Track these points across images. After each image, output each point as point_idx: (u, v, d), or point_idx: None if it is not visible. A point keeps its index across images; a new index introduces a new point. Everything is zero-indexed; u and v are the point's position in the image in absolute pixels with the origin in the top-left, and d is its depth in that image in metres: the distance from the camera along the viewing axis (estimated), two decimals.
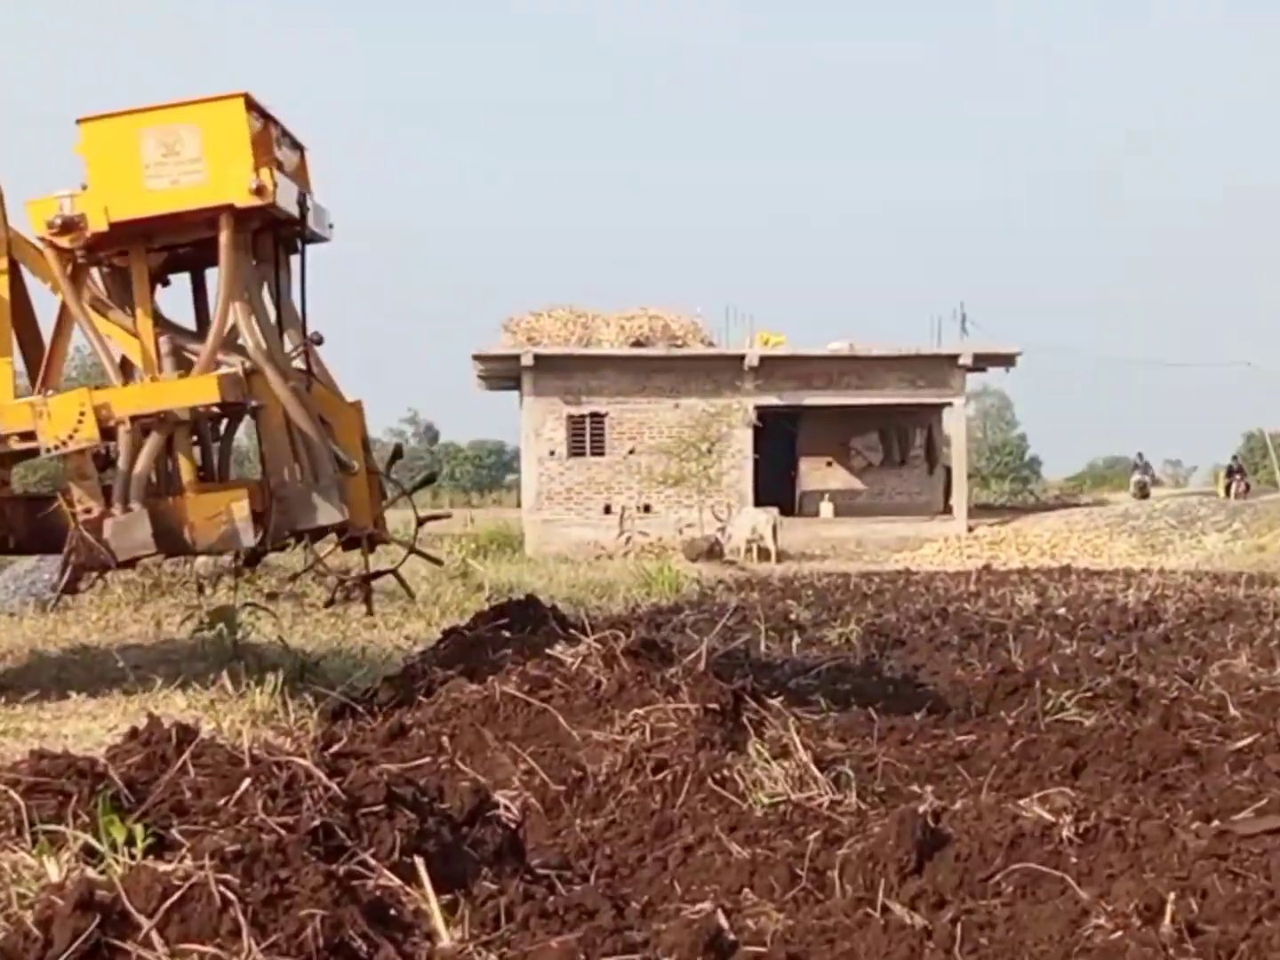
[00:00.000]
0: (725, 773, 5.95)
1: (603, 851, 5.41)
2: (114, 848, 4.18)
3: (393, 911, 4.16)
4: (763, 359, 32.40)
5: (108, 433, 6.86)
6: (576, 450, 32.49)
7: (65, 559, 7.19)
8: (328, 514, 7.00)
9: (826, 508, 34.60)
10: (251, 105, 7.00)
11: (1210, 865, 4.52)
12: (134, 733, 5.40)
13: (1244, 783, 6.12)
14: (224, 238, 6.89)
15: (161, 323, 7.38)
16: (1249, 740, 6.91)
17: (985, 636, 11.82)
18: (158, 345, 7.09)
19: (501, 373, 35.43)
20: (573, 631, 7.61)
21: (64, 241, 6.85)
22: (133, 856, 4.12)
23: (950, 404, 33.97)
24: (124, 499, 6.84)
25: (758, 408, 32.80)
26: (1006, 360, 34.57)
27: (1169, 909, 4.15)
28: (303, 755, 5.16)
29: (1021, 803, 5.57)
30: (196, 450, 7.50)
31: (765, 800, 5.70)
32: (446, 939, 3.99)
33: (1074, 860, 4.90)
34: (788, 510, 33.28)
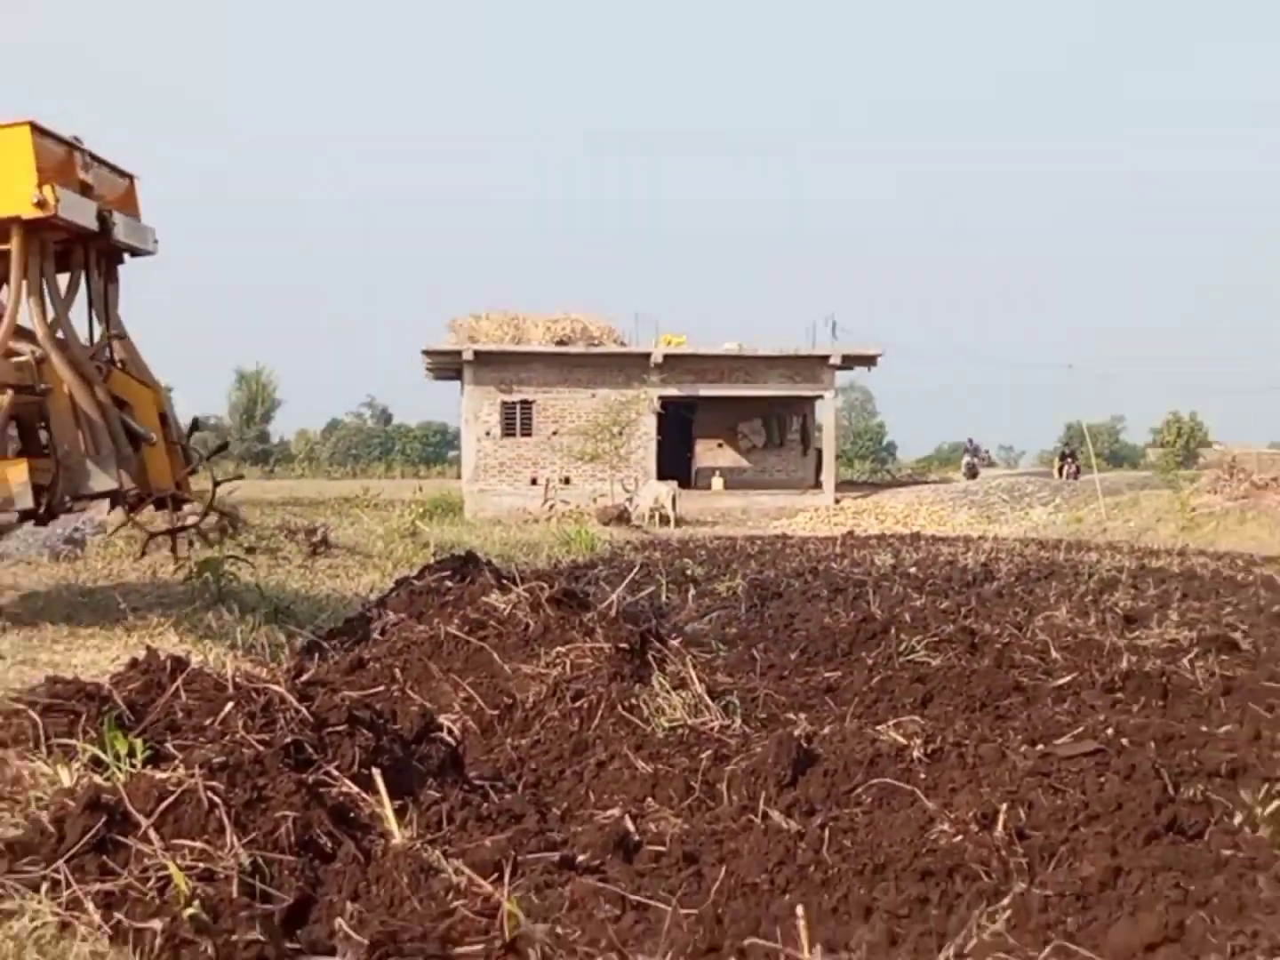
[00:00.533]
0: (633, 701, 6.20)
1: (529, 766, 5.67)
2: (117, 759, 4.44)
3: (353, 814, 4.50)
4: (666, 357, 34.37)
5: None
6: (509, 431, 34.31)
7: None
8: (103, 481, 7.30)
9: (717, 482, 36.70)
10: (45, 133, 7.24)
11: (1036, 781, 4.94)
12: (134, 663, 5.59)
13: (1064, 714, 6.45)
14: (14, 244, 7.16)
15: None
16: (1068, 679, 7.29)
17: (849, 590, 12.22)
18: None
19: (446, 365, 37.05)
20: (505, 582, 8.17)
21: None
22: (134, 766, 4.38)
23: (822, 396, 36.20)
24: None
25: (661, 397, 34.63)
26: (869, 360, 36.58)
27: (1001, 817, 4.50)
28: (277, 683, 5.44)
29: (879, 729, 5.86)
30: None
31: (666, 724, 5.95)
32: (399, 837, 4.31)
33: (922, 776, 5.32)
34: (685, 483, 35.02)
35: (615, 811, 4.94)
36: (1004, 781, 5.12)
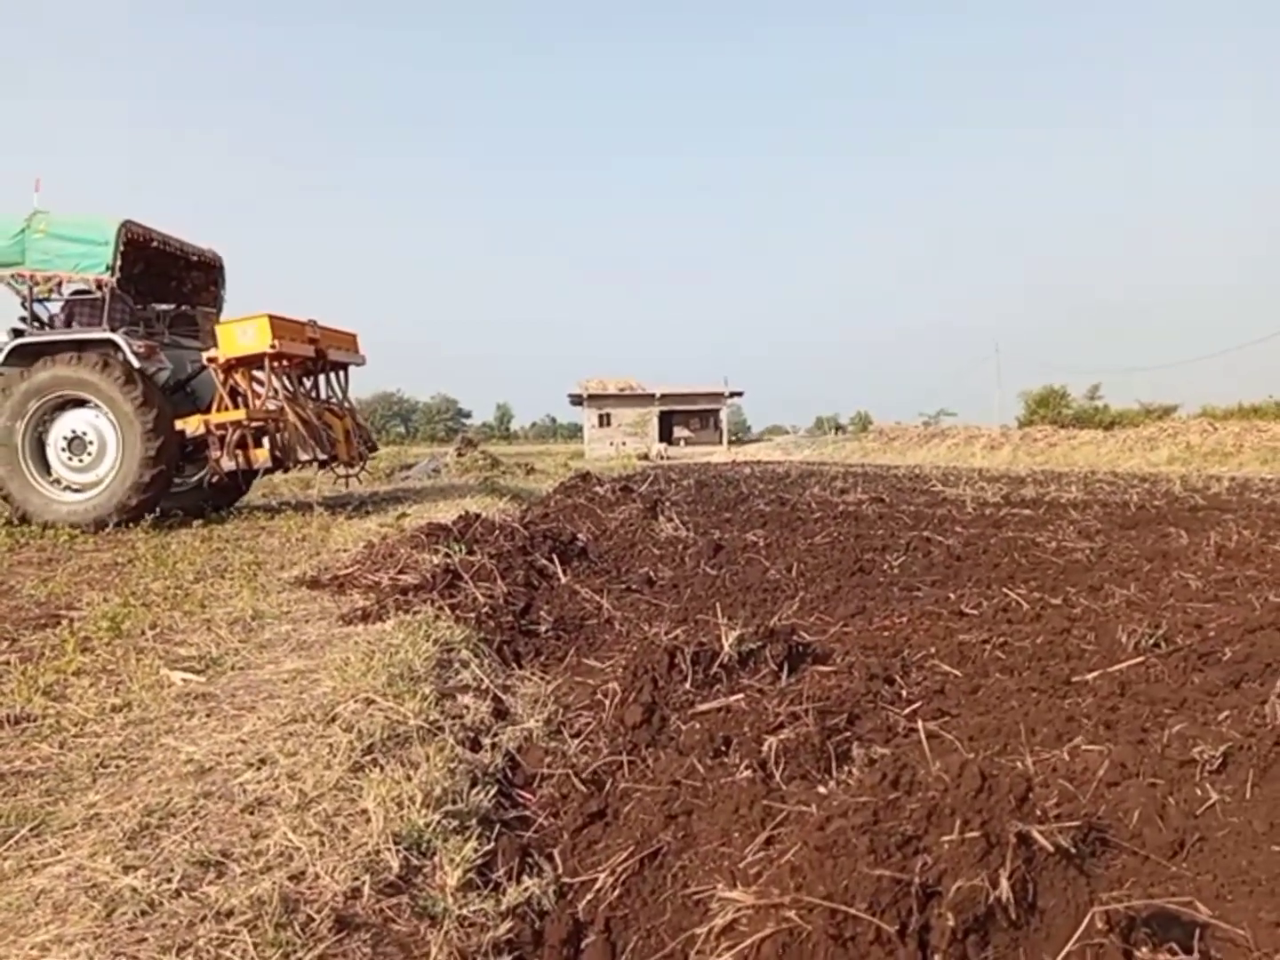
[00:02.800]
0: (651, 527, 7.33)
1: (611, 553, 6.52)
2: (454, 552, 5.41)
3: (546, 572, 5.52)
4: (661, 394, 54.05)
5: None
6: (602, 425, 53.85)
7: None
8: (305, 456, 9.13)
9: (683, 443, 53.04)
10: (276, 318, 8.54)
11: (808, 554, 6.17)
12: (461, 516, 6.61)
13: (818, 528, 7.68)
14: (266, 361, 8.78)
15: None
16: (819, 515, 8.66)
17: (734, 483, 15.00)
18: None
19: (577, 399, 55.52)
20: (600, 483, 10.02)
21: (215, 364, 8.69)
22: (462, 554, 5.37)
23: (722, 408, 54.83)
24: None
25: (659, 410, 53.90)
26: (739, 394, 56.07)
27: (794, 566, 5.64)
28: (517, 522, 6.51)
29: (747, 534, 7.04)
30: None
31: (664, 535, 7.06)
32: (563, 580, 5.35)
33: (763, 553, 6.26)
34: (670, 443, 51.68)
35: (645, 569, 5.80)
36: (795, 554, 6.19)
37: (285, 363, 9.09)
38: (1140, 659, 3.15)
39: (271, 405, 8.78)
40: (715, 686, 3.11)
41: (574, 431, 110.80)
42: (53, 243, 8.72)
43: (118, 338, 8.81)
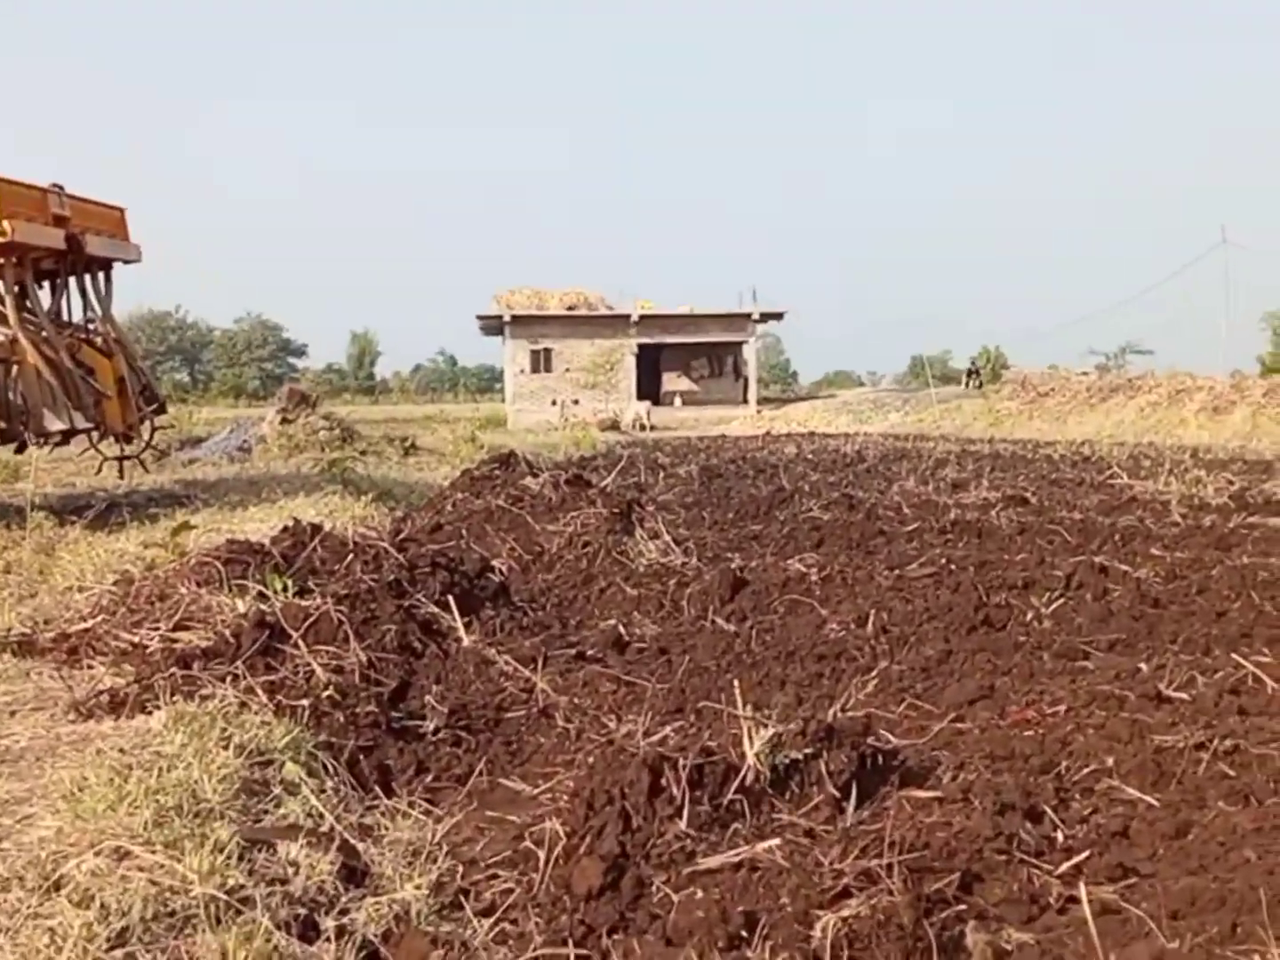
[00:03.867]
0: (622, 547, 7.65)
1: (553, 592, 6.89)
2: (276, 593, 5.51)
3: (435, 626, 5.73)
4: (640, 317, 53.11)
5: None
6: (535, 369, 53.09)
7: None
8: (56, 424, 9.59)
9: (678, 401, 53.93)
10: (13, 182, 9.21)
11: (893, 594, 6.45)
12: (285, 529, 6.79)
13: (912, 549, 8.09)
14: None
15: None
16: (914, 526, 9.14)
17: (767, 470, 15.72)
18: None
19: (491, 325, 55.24)
20: (534, 470, 10.03)
21: None
22: (287, 597, 5.46)
23: (746, 341, 54.08)
24: None
25: (638, 345, 52.79)
26: (777, 316, 55.21)
27: (871, 618, 5.91)
28: (382, 541, 6.63)
29: (788, 562, 7.40)
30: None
31: (645, 562, 7.37)
32: (466, 640, 5.52)
33: (817, 593, 6.72)
34: (655, 402, 51.98)
35: (612, 621, 6.11)
36: (872, 594, 6.55)
37: (15, 261, 9.44)
38: None
39: None
40: (731, 826, 3.19)
41: (488, 381, 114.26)
42: None
43: None
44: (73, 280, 10.52)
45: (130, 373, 10.55)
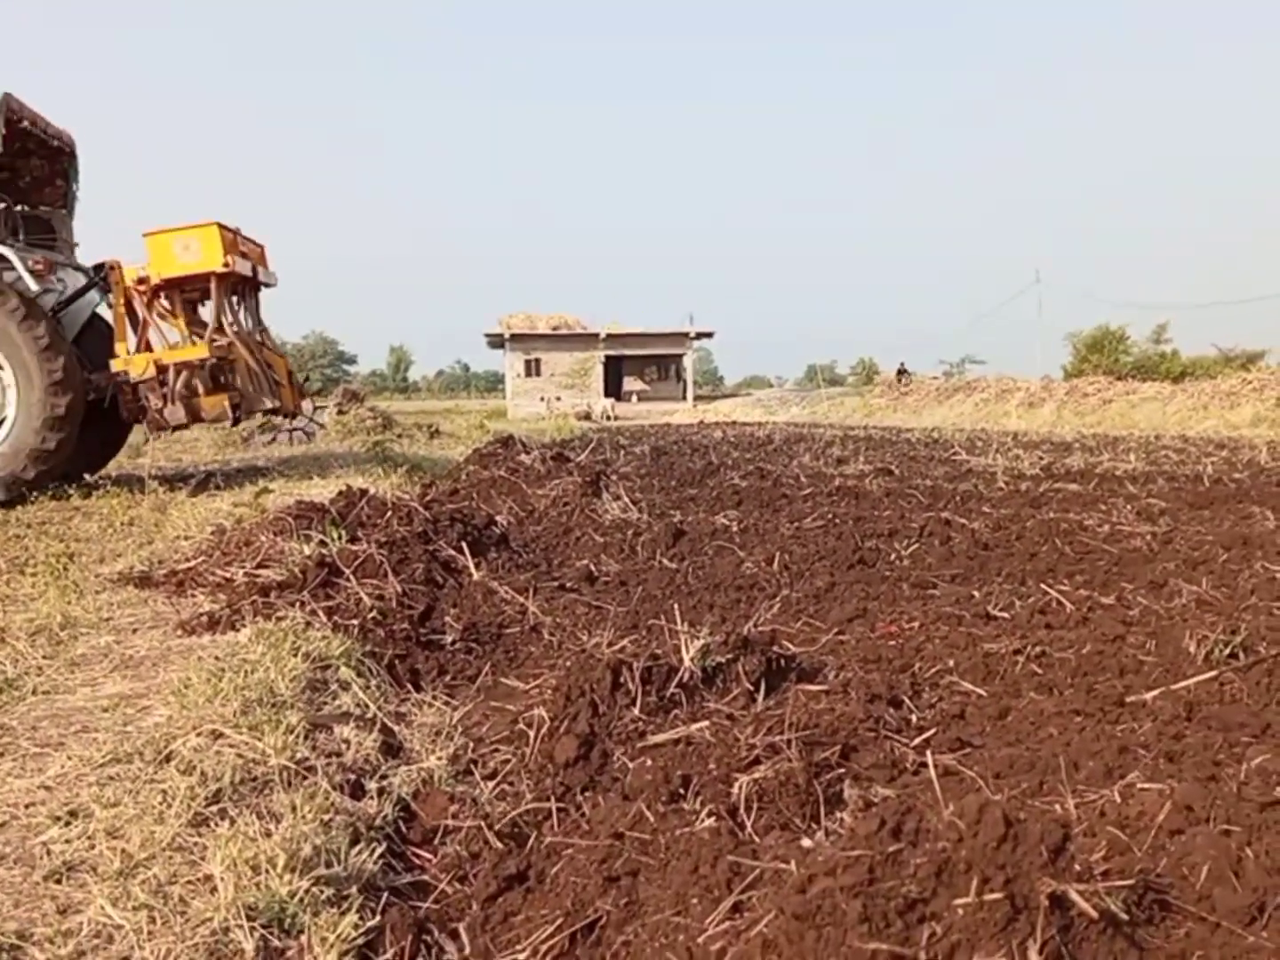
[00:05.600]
0: (592, 506, 7.54)
1: (541, 540, 6.77)
2: (332, 540, 5.53)
3: (453, 565, 5.63)
4: (607, 335, 55.00)
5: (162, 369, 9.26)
6: (528, 374, 55.04)
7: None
8: (265, 404, 10.01)
9: (635, 398, 54.94)
10: (224, 227, 9.25)
11: (794, 541, 6.37)
12: (340, 493, 6.70)
13: (807, 507, 8.00)
14: (213, 285, 9.38)
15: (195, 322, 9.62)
16: (809, 490, 9.07)
17: (700, 450, 15.48)
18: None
19: (496, 341, 57.12)
20: (528, 449, 10.02)
21: (142, 286, 9.35)
22: (341, 543, 5.49)
23: (686, 353, 55.97)
24: None
25: (605, 355, 54.94)
26: (709, 335, 57.38)
27: (776, 557, 5.83)
28: (413, 501, 6.59)
29: (715, 517, 7.37)
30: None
31: (609, 518, 7.29)
32: (476, 575, 5.44)
33: (738, 540, 6.62)
34: (619, 399, 53.09)
35: (585, 561, 6.00)
36: (777, 541, 6.50)
37: (229, 288, 9.75)
38: (1213, 673, 3.30)
39: (220, 341, 9.47)
40: (672, 712, 3.18)
41: (493, 383, 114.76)
42: None
43: (8, 251, 8.87)
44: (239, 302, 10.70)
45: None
